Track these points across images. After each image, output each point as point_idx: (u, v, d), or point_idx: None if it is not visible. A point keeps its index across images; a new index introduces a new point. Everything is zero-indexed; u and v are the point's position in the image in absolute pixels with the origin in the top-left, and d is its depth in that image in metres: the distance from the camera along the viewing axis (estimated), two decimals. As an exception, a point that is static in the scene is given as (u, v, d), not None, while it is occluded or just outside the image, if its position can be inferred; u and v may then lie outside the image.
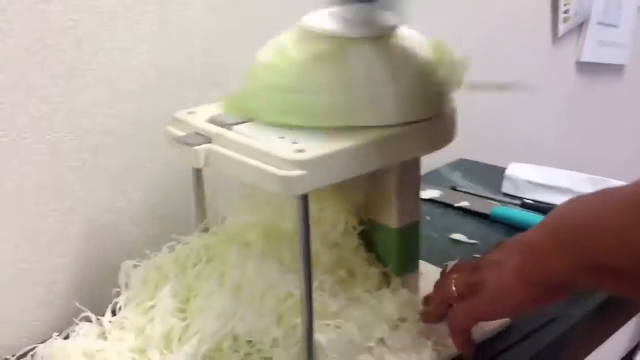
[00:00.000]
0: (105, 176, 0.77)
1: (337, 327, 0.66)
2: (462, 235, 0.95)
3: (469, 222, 0.99)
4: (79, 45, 0.71)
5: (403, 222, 0.71)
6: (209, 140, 0.63)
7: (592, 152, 1.57)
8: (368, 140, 0.60)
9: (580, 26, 1.46)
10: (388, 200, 0.70)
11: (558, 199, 0.91)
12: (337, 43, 0.63)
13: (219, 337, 0.64)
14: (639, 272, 0.50)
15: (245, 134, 0.62)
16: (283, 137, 0.60)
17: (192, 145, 0.63)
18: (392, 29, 0.65)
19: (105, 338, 0.67)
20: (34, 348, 0.67)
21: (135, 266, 0.71)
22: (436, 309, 0.70)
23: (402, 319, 0.70)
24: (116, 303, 0.70)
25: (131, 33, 0.76)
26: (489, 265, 0.65)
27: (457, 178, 1.14)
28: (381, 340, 0.68)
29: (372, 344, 0.67)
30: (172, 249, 0.72)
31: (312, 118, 0.62)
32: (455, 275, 0.68)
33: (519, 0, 1.28)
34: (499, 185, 1.09)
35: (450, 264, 0.72)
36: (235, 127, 0.63)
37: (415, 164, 0.70)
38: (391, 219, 0.71)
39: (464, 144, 1.19)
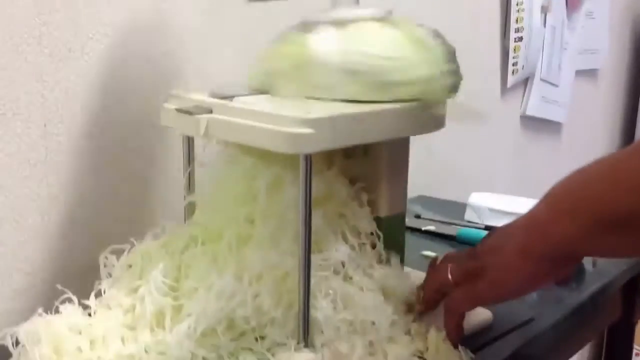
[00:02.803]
0: (91, 164, 0.76)
1: (334, 306, 0.65)
2: (433, 253, 0.96)
3: (437, 244, 1.01)
4: (75, 26, 0.71)
5: (391, 212, 0.72)
6: (209, 111, 0.64)
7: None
8: (371, 109, 0.63)
9: (526, 81, 1.55)
10: (377, 188, 0.72)
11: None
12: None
13: (217, 318, 0.62)
14: None
15: (248, 102, 0.63)
16: (287, 105, 0.62)
17: (193, 114, 0.63)
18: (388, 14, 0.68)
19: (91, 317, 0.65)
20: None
21: (116, 251, 0.69)
22: (429, 298, 0.69)
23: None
24: (99, 288, 0.67)
25: (127, 21, 0.77)
26: (487, 250, 0.65)
27: (419, 209, 1.16)
28: (373, 324, 0.67)
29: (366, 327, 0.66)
30: (157, 237, 0.71)
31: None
32: (450, 264, 0.68)
33: (471, 50, 1.36)
34: (459, 217, 1.12)
35: (440, 256, 0.72)
36: (236, 99, 0.65)
37: (404, 150, 0.72)
38: (380, 208, 0.72)
39: (421, 183, 1.24)
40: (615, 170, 0.54)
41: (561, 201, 0.59)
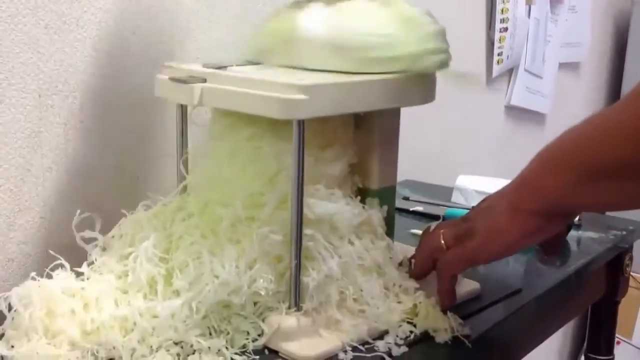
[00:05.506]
0: (85, 136, 0.76)
1: (326, 274, 0.66)
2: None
3: (426, 223, 1.02)
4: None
5: (382, 184, 0.74)
6: (203, 80, 0.65)
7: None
8: (362, 79, 0.64)
9: (511, 71, 1.58)
10: (369, 160, 0.73)
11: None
12: None
13: (212, 304, 0.62)
14: None
15: (242, 71, 0.64)
16: (280, 73, 0.63)
17: (187, 82, 0.64)
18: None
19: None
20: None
21: (108, 222, 0.69)
22: (422, 264, 0.70)
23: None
24: (91, 257, 0.67)
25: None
26: (478, 213, 0.66)
27: (407, 192, 1.18)
28: (361, 290, 0.68)
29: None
30: (148, 208, 0.71)
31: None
32: (442, 230, 0.69)
33: (457, 40, 1.38)
34: (446, 199, 1.14)
35: (434, 224, 0.73)
36: (230, 68, 0.66)
37: (395, 123, 0.73)
38: (372, 180, 0.73)
39: (408, 169, 1.25)
40: (605, 123, 0.55)
41: (550, 156, 0.60)
